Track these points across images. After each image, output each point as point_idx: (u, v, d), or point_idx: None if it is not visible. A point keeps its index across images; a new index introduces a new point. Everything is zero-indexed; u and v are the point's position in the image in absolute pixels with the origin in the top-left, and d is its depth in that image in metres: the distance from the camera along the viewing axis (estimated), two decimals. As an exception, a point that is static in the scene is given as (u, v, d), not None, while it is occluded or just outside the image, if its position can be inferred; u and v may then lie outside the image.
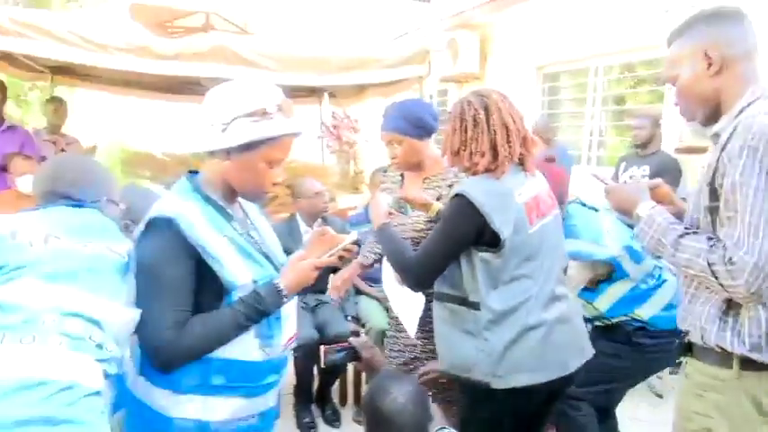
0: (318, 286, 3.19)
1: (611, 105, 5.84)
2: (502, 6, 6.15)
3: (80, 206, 1.41)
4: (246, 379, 1.37)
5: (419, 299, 2.03)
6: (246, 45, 3.70)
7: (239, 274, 1.32)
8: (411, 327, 2.09)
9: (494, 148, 1.65)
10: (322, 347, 1.84)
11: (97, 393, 1.13)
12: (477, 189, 1.62)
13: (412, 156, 2.13)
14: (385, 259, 2.17)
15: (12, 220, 1.33)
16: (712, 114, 1.37)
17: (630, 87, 5.77)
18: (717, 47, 1.30)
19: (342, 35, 8.63)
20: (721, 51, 1.30)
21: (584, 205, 2.34)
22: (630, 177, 4.03)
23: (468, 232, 1.62)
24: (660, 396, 3.48)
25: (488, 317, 1.63)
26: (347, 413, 3.20)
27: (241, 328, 1.32)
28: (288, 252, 3.22)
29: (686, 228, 1.33)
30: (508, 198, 1.64)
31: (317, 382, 3.31)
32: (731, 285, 1.20)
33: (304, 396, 3.14)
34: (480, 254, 1.63)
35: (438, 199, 2.13)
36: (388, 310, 3.33)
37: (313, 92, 5.52)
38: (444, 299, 1.75)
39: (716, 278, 1.22)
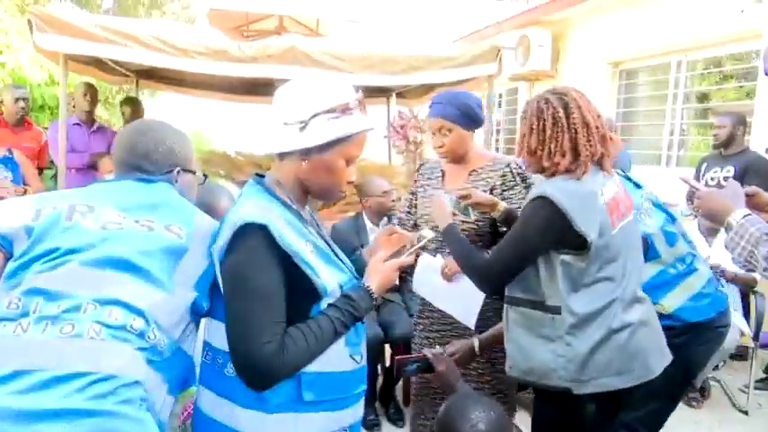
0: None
1: (694, 102, 5.51)
2: (575, 1, 5.94)
3: (149, 181, 1.37)
4: (338, 391, 1.29)
5: (478, 293, 1.97)
6: (317, 46, 3.77)
7: (329, 279, 1.26)
8: (470, 320, 2.08)
9: (575, 148, 1.60)
10: (396, 358, 1.78)
11: (136, 383, 1.11)
12: (560, 191, 1.56)
13: (460, 145, 2.12)
14: (420, 260, 2.15)
15: (73, 195, 1.32)
16: None
17: (716, 83, 5.42)
18: None
19: (412, 34, 8.65)
20: None
21: (628, 179, 2.20)
22: (712, 179, 3.81)
23: (548, 235, 1.57)
24: (745, 413, 3.25)
25: (571, 321, 1.58)
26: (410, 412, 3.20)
27: (338, 337, 1.25)
28: (354, 250, 3.27)
29: None
30: (592, 199, 1.59)
31: (380, 381, 3.33)
32: None
33: (368, 394, 3.16)
34: (562, 257, 1.58)
35: (491, 191, 2.10)
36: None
37: (381, 91, 5.55)
38: (518, 303, 1.70)
39: None
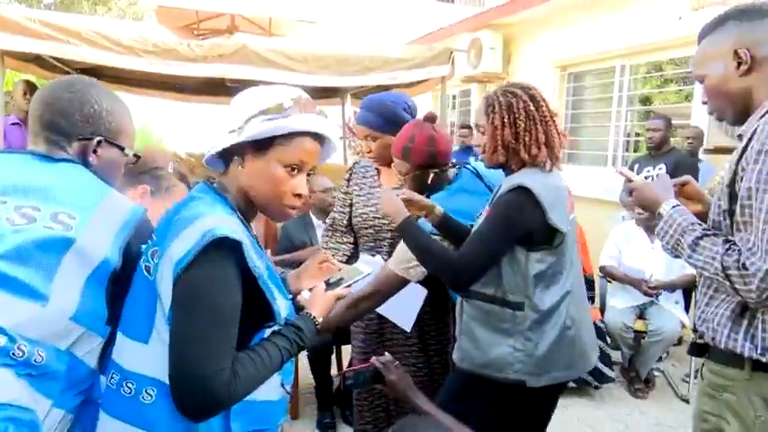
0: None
1: (638, 105, 5.74)
2: (525, 6, 6.09)
3: (50, 160, 1.17)
4: (264, 421, 1.21)
5: (420, 292, 1.97)
6: (270, 46, 3.73)
7: (282, 305, 1.18)
8: (407, 322, 2.05)
9: (547, 141, 1.61)
10: (342, 371, 1.72)
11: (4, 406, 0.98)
12: (537, 183, 1.55)
13: (387, 151, 2.06)
14: (361, 260, 2.09)
15: None
16: (741, 114, 1.34)
17: (657, 87, 5.66)
18: (747, 45, 1.27)
19: (365, 35, 8.66)
20: (751, 50, 1.26)
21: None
22: (646, 177, 4.00)
23: (526, 226, 1.56)
24: (687, 401, 3.41)
25: (533, 317, 1.60)
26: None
27: (281, 367, 1.17)
28: (303, 245, 3.24)
29: (705, 229, 1.30)
30: (562, 192, 1.62)
31: (336, 383, 3.32)
32: (744, 290, 1.19)
33: (323, 397, 3.15)
34: (533, 253, 1.58)
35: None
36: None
37: (335, 92, 5.54)
38: (476, 297, 1.67)
39: (730, 282, 1.21)
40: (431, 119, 2.00)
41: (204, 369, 1.03)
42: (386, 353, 1.69)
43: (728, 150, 3.71)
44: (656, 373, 3.70)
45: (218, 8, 4.57)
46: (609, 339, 3.58)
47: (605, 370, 3.48)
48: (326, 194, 3.42)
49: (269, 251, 3.60)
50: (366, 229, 2.21)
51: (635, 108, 5.70)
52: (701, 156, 4.35)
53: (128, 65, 3.43)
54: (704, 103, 1.42)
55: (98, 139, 1.21)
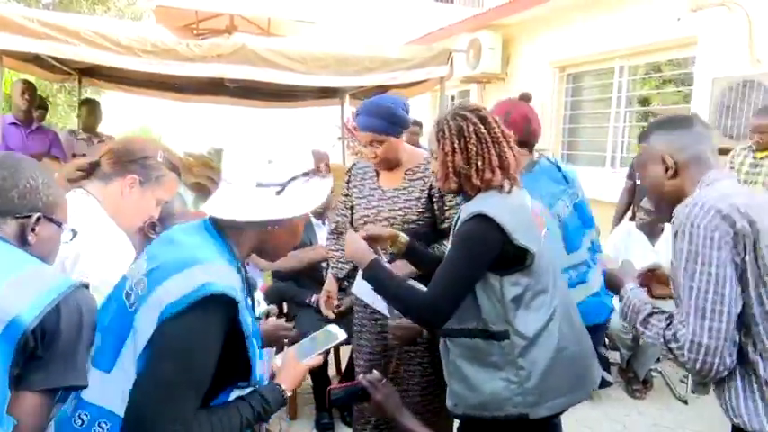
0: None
1: (636, 106, 5.74)
2: (524, 6, 6.09)
3: None
4: None
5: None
6: (269, 46, 3.73)
7: (259, 366, 1.15)
8: (383, 306, 2.03)
9: (501, 163, 1.57)
10: (328, 388, 1.62)
11: None
12: (495, 207, 1.52)
13: (392, 153, 2.09)
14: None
15: None
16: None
17: (656, 88, 5.67)
18: (671, 153, 1.43)
19: (364, 36, 8.66)
20: (675, 157, 1.42)
21: (559, 169, 2.19)
22: None
23: (491, 253, 1.51)
24: (685, 402, 3.41)
25: (521, 343, 1.54)
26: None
27: None
28: (301, 246, 3.20)
29: (655, 308, 1.44)
30: (525, 212, 1.59)
31: (335, 384, 3.32)
32: (682, 360, 1.30)
33: (321, 397, 3.15)
34: (506, 277, 1.53)
35: (430, 190, 2.09)
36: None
37: (334, 92, 5.54)
38: (458, 334, 1.60)
39: (672, 354, 1.32)
40: (526, 98, 2.07)
41: (160, 419, 1.01)
42: (374, 371, 1.63)
43: (726, 151, 3.73)
44: (654, 374, 3.70)
45: (217, 8, 4.57)
46: (607, 340, 3.58)
47: (604, 375, 3.47)
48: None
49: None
50: None
51: (634, 109, 5.70)
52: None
53: (126, 65, 3.43)
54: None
55: (37, 216, 1.13)
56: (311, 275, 3.29)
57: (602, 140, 5.82)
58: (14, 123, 4.10)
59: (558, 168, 2.17)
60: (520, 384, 1.54)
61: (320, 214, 3.41)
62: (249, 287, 1.23)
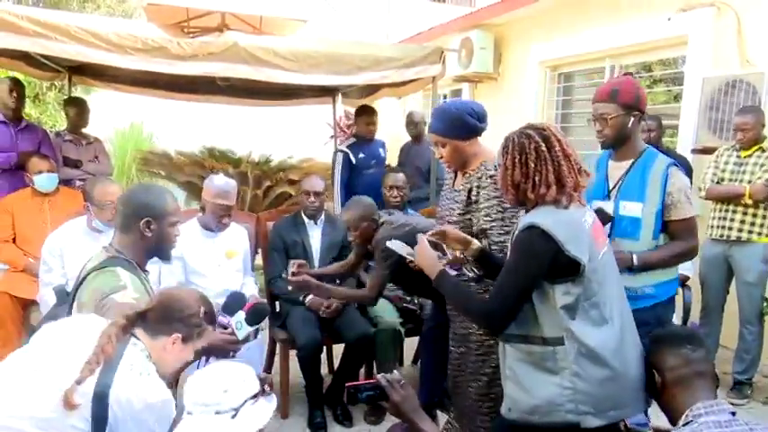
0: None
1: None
2: (515, 6, 6.11)
3: None
4: None
5: None
6: (260, 44, 3.71)
7: None
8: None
9: (558, 180, 1.64)
10: (347, 385, 1.62)
11: None
12: (547, 218, 1.60)
13: (456, 156, 2.23)
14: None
15: None
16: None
17: (647, 87, 5.71)
18: (661, 368, 1.54)
19: (356, 35, 8.65)
20: (665, 373, 1.53)
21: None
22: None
23: (543, 263, 1.58)
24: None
25: (576, 349, 1.57)
26: (358, 412, 3.20)
27: None
28: (294, 246, 3.26)
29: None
30: (578, 224, 1.63)
31: (327, 382, 3.32)
32: None
33: (314, 396, 3.15)
34: (558, 285, 1.59)
35: (469, 192, 2.18)
36: (400, 311, 3.34)
37: (327, 91, 5.53)
38: (515, 339, 1.67)
39: None
40: (631, 74, 2.23)
41: None
42: (395, 371, 1.63)
43: (713, 150, 3.77)
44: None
45: (209, 6, 4.54)
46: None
47: None
48: (304, 197, 3.38)
49: (260, 250, 3.60)
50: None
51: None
52: (689, 154, 4.39)
53: (117, 63, 3.39)
54: None
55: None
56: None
57: (593, 139, 5.84)
58: (2, 122, 4.06)
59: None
60: (574, 391, 1.57)
61: (313, 216, 3.41)
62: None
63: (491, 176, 2.16)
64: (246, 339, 1.95)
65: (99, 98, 7.59)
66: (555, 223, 1.58)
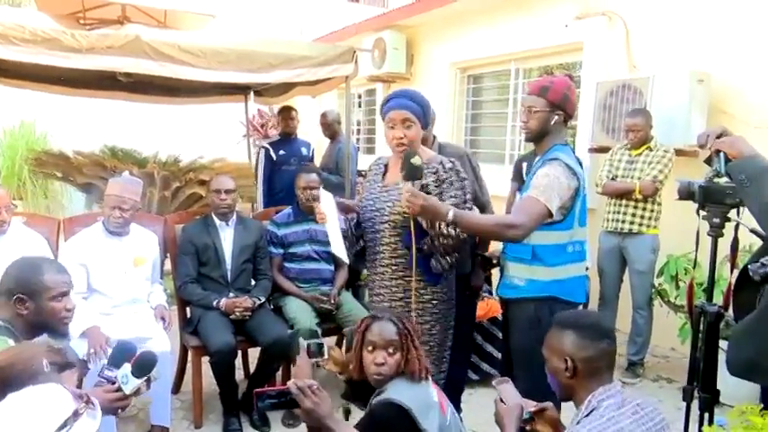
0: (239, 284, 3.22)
1: (531, 107, 6.07)
2: (426, 8, 6.25)
3: None
4: None
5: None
6: (165, 39, 3.55)
7: None
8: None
9: None
10: (254, 391, 1.56)
11: None
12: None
13: (417, 140, 2.25)
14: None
15: None
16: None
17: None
18: (574, 355, 1.57)
19: (268, 32, 8.48)
20: (576, 362, 1.57)
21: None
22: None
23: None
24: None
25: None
26: (275, 417, 3.15)
27: None
28: (205, 249, 3.19)
29: None
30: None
31: (243, 388, 3.24)
32: None
33: (228, 403, 3.07)
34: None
35: (422, 188, 2.14)
36: (316, 311, 3.31)
37: (238, 89, 5.38)
38: None
39: None
40: (570, 77, 2.31)
41: None
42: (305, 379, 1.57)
43: (607, 149, 4.07)
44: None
45: (107, -4, 4.27)
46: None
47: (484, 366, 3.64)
48: (215, 195, 3.29)
49: (168, 254, 3.44)
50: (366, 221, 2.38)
51: (529, 109, 6.03)
52: (586, 153, 4.68)
53: (5, 56, 3.12)
54: None
55: None
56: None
57: (501, 139, 6.11)
58: None
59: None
60: None
61: (224, 216, 3.33)
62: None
63: (452, 170, 2.25)
64: (137, 393, 1.74)
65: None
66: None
